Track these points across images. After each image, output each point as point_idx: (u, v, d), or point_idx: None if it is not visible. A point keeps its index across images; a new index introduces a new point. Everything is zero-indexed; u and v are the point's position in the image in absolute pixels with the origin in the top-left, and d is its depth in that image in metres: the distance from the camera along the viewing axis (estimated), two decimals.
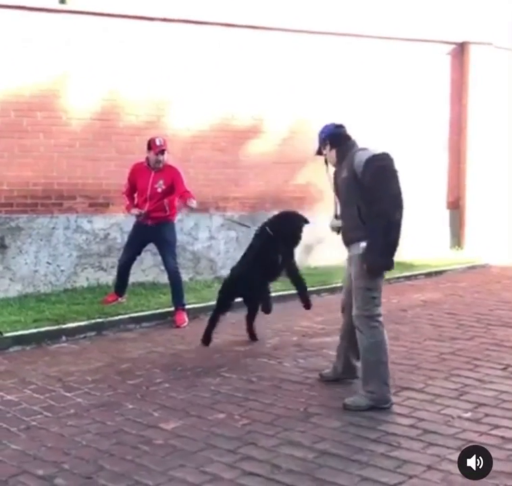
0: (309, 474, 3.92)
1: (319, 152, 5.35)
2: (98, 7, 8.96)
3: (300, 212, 7.21)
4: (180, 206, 7.88)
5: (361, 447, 4.29)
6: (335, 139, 5.19)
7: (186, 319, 7.70)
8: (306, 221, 6.90)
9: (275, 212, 7.31)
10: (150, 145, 7.66)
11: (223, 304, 6.84)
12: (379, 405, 4.88)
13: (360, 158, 4.92)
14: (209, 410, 5.01)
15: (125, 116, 9.31)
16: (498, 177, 12.37)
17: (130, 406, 5.15)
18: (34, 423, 4.85)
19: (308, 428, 4.60)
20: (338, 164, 5.19)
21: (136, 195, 7.88)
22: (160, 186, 7.67)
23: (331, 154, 5.22)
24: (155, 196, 7.69)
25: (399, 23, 11.35)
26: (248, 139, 10.23)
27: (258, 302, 6.78)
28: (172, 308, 7.85)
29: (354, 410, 4.87)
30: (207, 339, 6.71)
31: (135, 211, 7.79)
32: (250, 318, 6.94)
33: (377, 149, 5.01)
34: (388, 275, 5.32)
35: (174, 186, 7.67)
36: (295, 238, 6.85)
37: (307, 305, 6.86)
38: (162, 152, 7.62)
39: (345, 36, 10.87)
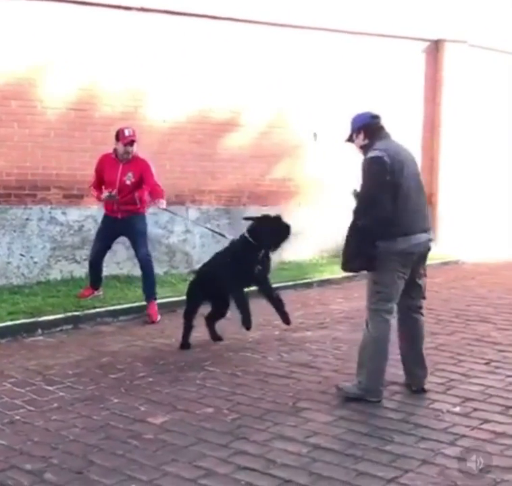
0: (305, 469, 3.88)
1: (350, 139, 5.19)
2: None
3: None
4: (149, 201, 7.51)
5: (353, 441, 4.27)
6: (369, 129, 5.06)
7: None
8: (289, 232, 6.35)
9: (257, 216, 6.56)
10: (119, 136, 7.35)
11: (193, 309, 6.54)
12: (367, 397, 4.88)
13: (366, 156, 4.92)
14: (196, 405, 4.95)
15: (102, 106, 9.17)
16: (471, 174, 12.47)
17: (115, 400, 5.06)
18: (17, 417, 4.73)
19: (299, 423, 4.56)
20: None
21: (103, 188, 7.52)
22: (129, 178, 7.37)
23: (364, 144, 5.07)
24: (124, 189, 7.38)
25: (375, 20, 11.33)
26: (226, 132, 10.16)
27: (225, 304, 6.54)
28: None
29: (344, 395, 4.94)
30: (186, 345, 6.44)
31: (106, 193, 7.36)
32: (212, 319, 6.67)
33: (385, 148, 4.91)
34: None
35: (143, 179, 7.40)
36: (276, 248, 6.42)
37: (288, 321, 6.37)
38: (131, 143, 7.31)
39: (322, 30, 10.84)
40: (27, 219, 8.78)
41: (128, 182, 7.38)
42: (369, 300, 5.02)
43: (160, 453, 4.14)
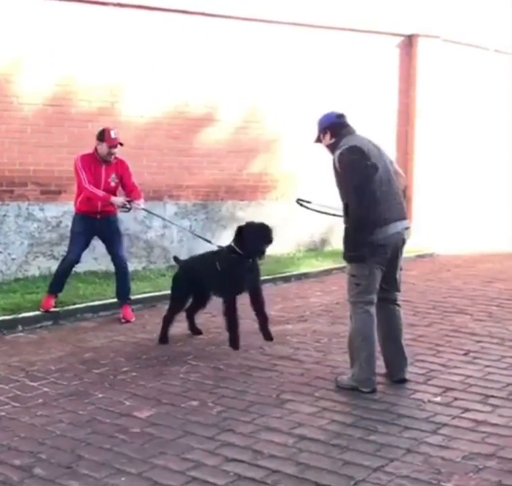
0: (292, 459, 3.94)
1: (318, 140, 5.30)
2: None
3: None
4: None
5: (338, 431, 4.34)
6: (335, 129, 5.15)
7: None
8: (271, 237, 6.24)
9: (240, 225, 6.43)
10: (104, 136, 7.09)
11: (180, 306, 6.55)
12: (360, 387, 4.98)
13: (337, 153, 4.98)
14: (181, 398, 4.99)
15: (78, 102, 9.14)
16: (445, 167, 12.62)
17: (100, 395, 5.08)
18: (3, 413, 4.74)
19: (284, 414, 4.63)
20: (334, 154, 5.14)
21: (77, 188, 7.31)
22: (113, 180, 7.24)
23: (331, 143, 5.18)
24: (109, 191, 7.21)
25: (349, 15, 11.41)
26: (202, 127, 10.18)
27: (207, 297, 6.60)
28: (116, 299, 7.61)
29: (338, 387, 5.09)
30: (164, 339, 6.45)
31: (121, 200, 7.16)
32: (193, 312, 6.70)
33: (352, 141, 5.01)
34: (344, 263, 5.36)
35: (122, 179, 7.30)
36: (261, 254, 6.31)
37: (270, 338, 6.31)
38: (116, 145, 7.12)
39: (296, 25, 10.88)
40: (4, 216, 8.74)
41: (113, 184, 7.25)
42: (348, 292, 5.12)
43: (147, 446, 4.18)
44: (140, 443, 4.21)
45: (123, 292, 7.51)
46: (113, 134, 7.11)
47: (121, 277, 7.49)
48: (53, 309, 7.38)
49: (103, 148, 7.12)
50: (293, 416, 4.59)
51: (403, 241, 5.15)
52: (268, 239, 6.17)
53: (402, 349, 5.26)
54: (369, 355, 5.00)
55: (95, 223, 7.32)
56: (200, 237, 7.71)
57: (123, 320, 7.34)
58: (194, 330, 6.73)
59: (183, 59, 9.87)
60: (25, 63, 8.69)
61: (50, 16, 8.79)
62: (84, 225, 7.37)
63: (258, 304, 6.27)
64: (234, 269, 6.14)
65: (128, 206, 7.24)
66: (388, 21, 11.91)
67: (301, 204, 5.36)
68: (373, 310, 5.05)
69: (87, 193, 7.14)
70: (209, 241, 7.11)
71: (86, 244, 7.53)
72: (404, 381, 5.22)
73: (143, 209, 7.55)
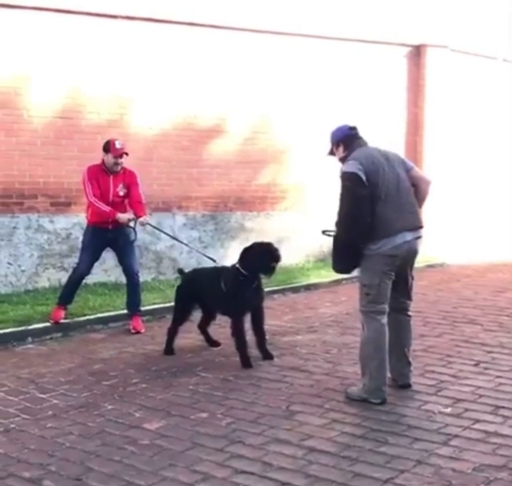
0: (301, 472, 3.93)
1: (332, 153, 5.35)
2: (61, 4, 8.79)
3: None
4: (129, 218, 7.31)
5: (348, 443, 4.32)
6: (348, 141, 5.19)
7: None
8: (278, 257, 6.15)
9: (246, 246, 6.33)
10: (109, 147, 7.14)
11: (183, 316, 6.54)
12: (370, 399, 4.97)
13: (342, 169, 5.05)
14: (190, 410, 4.98)
15: (88, 114, 9.19)
16: (455, 177, 12.59)
17: (110, 407, 5.08)
18: (12, 425, 4.74)
19: (293, 426, 4.61)
20: None
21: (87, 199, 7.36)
22: (121, 190, 7.26)
23: (343, 156, 5.21)
24: (118, 201, 7.26)
25: (357, 26, 11.44)
26: (211, 138, 10.21)
27: (216, 310, 6.58)
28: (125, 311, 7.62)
29: (348, 398, 5.08)
30: (169, 350, 6.46)
31: (126, 217, 7.18)
32: (204, 326, 6.70)
33: (358, 156, 5.04)
34: (354, 274, 5.42)
35: (129, 190, 7.30)
36: (270, 274, 6.24)
37: (270, 357, 6.19)
38: (122, 155, 7.17)
39: (305, 37, 10.93)
40: (14, 228, 8.78)
41: (121, 194, 7.27)
42: (360, 302, 5.15)
43: (157, 458, 4.17)
44: (150, 455, 4.21)
45: (133, 303, 7.53)
46: (117, 145, 7.15)
47: (132, 289, 7.51)
48: (62, 321, 7.40)
49: (109, 159, 7.17)
50: (303, 428, 4.58)
51: (415, 252, 5.15)
52: (277, 257, 6.10)
53: (406, 355, 5.27)
54: (380, 365, 4.99)
55: (107, 234, 7.32)
56: (204, 255, 7.64)
57: (133, 331, 7.35)
58: (212, 342, 6.70)
59: (192, 70, 9.92)
60: (35, 76, 8.75)
61: (59, 29, 8.85)
62: (95, 237, 7.38)
63: (258, 323, 6.22)
64: (241, 291, 6.08)
65: (133, 224, 7.27)
66: (396, 31, 11.94)
67: (328, 235, 5.36)
68: (384, 320, 5.04)
69: (93, 207, 7.18)
70: (213, 260, 7.10)
71: (97, 256, 7.54)
72: (408, 386, 5.26)
73: (148, 224, 7.53)
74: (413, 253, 5.13)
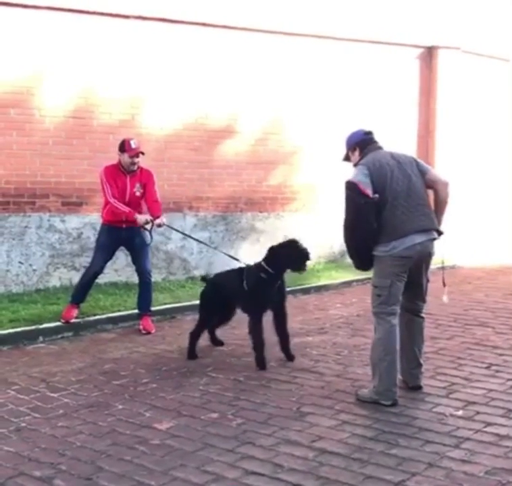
0: (312, 473, 3.92)
1: (347, 158, 5.41)
2: (74, 4, 8.81)
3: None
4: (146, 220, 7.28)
5: (359, 445, 4.31)
6: (363, 145, 5.26)
7: None
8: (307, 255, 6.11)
9: (272, 246, 6.27)
10: (125, 147, 7.16)
11: (209, 321, 6.51)
12: (381, 400, 4.96)
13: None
14: (201, 410, 4.98)
15: (100, 114, 9.20)
16: (466, 179, 12.54)
17: (120, 407, 5.08)
18: (23, 424, 4.75)
19: (304, 427, 4.60)
20: None
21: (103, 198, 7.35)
22: (138, 190, 7.26)
23: (358, 160, 5.26)
24: (134, 200, 7.26)
25: (369, 27, 11.42)
26: (222, 139, 10.21)
27: (232, 312, 6.59)
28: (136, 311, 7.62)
29: (358, 400, 5.09)
30: (192, 354, 6.37)
31: (144, 218, 7.16)
32: (214, 326, 6.70)
33: (366, 162, 5.12)
34: (364, 275, 5.44)
35: (146, 191, 7.31)
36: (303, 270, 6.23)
37: (291, 358, 6.20)
38: (137, 154, 7.17)
39: (317, 37, 10.92)
40: (26, 227, 8.80)
41: (138, 194, 7.27)
42: (372, 303, 5.19)
43: (168, 458, 4.17)
44: (160, 455, 4.21)
45: (144, 303, 7.52)
46: (133, 144, 7.17)
47: (144, 289, 7.50)
48: (73, 320, 7.41)
49: (125, 159, 7.18)
50: (313, 429, 4.57)
51: (428, 253, 5.14)
52: (307, 254, 6.08)
53: (417, 357, 5.27)
54: (389, 366, 4.98)
55: (121, 233, 7.33)
56: (227, 254, 7.63)
57: (143, 332, 7.35)
58: (216, 342, 6.74)
59: (203, 71, 9.92)
60: (47, 75, 8.77)
61: (72, 29, 8.86)
62: (110, 236, 7.39)
63: (282, 322, 6.21)
64: (262, 288, 6.09)
65: (150, 225, 7.25)
66: (408, 32, 11.91)
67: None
68: (395, 321, 5.04)
69: (112, 208, 7.19)
70: (237, 259, 7.06)
71: (111, 255, 7.57)
72: (419, 387, 5.27)
73: (167, 226, 7.49)
74: (426, 255, 5.11)
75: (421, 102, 12.47)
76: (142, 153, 7.27)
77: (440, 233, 5.14)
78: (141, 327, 7.42)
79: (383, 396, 4.97)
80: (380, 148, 5.25)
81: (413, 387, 5.26)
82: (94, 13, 8.97)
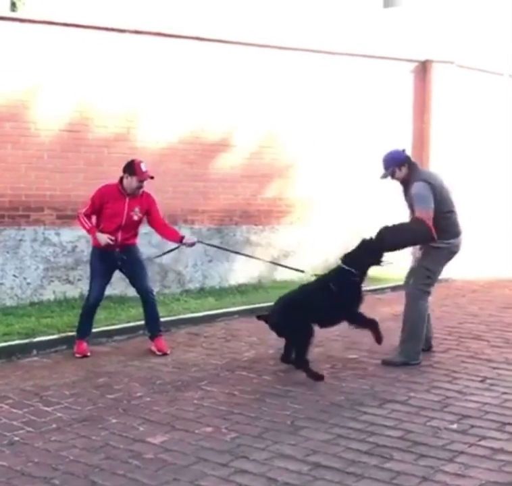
0: None
1: (392, 176, 6.32)
2: (70, 18, 8.87)
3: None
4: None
5: (353, 459, 4.30)
6: (409, 162, 6.31)
7: None
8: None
9: (348, 252, 6.52)
10: (135, 170, 6.67)
11: (309, 342, 6.21)
12: (411, 361, 6.21)
13: (412, 190, 6.16)
14: (195, 424, 4.97)
15: (95, 128, 9.22)
16: (460, 192, 12.56)
17: (114, 420, 5.07)
18: (16, 438, 4.74)
19: (298, 441, 4.59)
20: (409, 183, 6.24)
21: (96, 218, 6.88)
22: (136, 214, 6.81)
23: (405, 176, 6.29)
24: (131, 224, 6.85)
25: (364, 41, 11.50)
26: (217, 152, 10.24)
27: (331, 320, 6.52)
28: (143, 322, 7.30)
29: (388, 365, 6.26)
30: (319, 375, 6.00)
31: (105, 238, 6.69)
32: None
33: (423, 184, 6.13)
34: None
35: (149, 214, 6.94)
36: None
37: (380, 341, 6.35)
38: (146, 179, 6.74)
39: (312, 52, 10.99)
40: (20, 240, 8.79)
41: (135, 218, 6.84)
42: (416, 281, 6.32)
43: (161, 472, 4.15)
44: (154, 469, 4.19)
45: (154, 325, 7.11)
46: (143, 167, 6.72)
47: (150, 310, 7.09)
48: (68, 333, 7.35)
49: (133, 182, 6.73)
50: (307, 443, 4.56)
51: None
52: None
53: (430, 328, 6.74)
54: (422, 334, 6.36)
55: (114, 257, 6.89)
56: (291, 268, 7.73)
57: (158, 353, 6.92)
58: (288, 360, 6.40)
59: (198, 85, 9.96)
60: (42, 89, 8.79)
61: (67, 43, 8.90)
62: (103, 261, 6.94)
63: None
64: (356, 287, 6.36)
65: (112, 243, 6.75)
66: (403, 47, 11.99)
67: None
68: (429, 302, 6.43)
69: (78, 219, 6.89)
70: (302, 271, 7.20)
71: (108, 279, 7.13)
72: (431, 348, 6.72)
73: (199, 242, 7.35)
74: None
75: (415, 116, 12.51)
76: (152, 177, 6.84)
77: None
78: (155, 348, 7.01)
79: (414, 357, 6.23)
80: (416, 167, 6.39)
81: (426, 349, 6.55)
82: (89, 27, 9.03)
